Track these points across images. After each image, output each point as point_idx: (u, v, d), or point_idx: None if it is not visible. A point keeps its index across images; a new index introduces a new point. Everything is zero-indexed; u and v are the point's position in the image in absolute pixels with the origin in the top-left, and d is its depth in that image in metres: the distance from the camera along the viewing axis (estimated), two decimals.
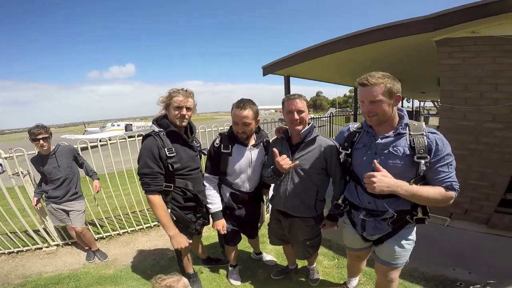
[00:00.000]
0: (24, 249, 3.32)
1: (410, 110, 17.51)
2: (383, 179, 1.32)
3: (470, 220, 3.20)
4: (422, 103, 23.20)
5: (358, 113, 10.10)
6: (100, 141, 3.36)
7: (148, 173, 1.80)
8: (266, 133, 2.29)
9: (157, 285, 1.47)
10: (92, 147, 3.30)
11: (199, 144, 2.21)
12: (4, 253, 3.27)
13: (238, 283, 2.54)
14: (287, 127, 1.94)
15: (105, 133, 20.62)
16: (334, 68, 5.74)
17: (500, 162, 2.92)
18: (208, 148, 2.15)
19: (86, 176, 3.22)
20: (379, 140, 1.48)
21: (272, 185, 2.16)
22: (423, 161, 1.35)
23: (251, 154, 2.07)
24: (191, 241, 2.04)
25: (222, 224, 2.10)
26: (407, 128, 1.45)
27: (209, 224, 2.30)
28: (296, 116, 1.79)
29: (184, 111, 1.86)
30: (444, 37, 3.01)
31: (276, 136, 2.09)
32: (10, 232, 3.30)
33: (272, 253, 2.98)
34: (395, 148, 1.43)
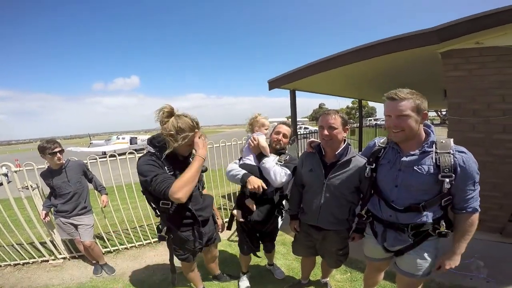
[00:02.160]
0: (30, 261, 3.32)
1: None
2: (451, 263, 1.52)
3: (484, 230, 3.14)
4: None
5: (363, 125, 10.12)
6: (106, 154, 3.38)
7: (158, 172, 1.65)
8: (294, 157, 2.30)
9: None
10: (100, 157, 3.35)
11: None
12: (10, 264, 3.27)
13: (247, 283, 2.66)
14: (319, 141, 1.96)
15: (110, 146, 20.77)
16: (339, 81, 5.78)
17: None
18: None
19: (95, 190, 3.25)
20: (404, 158, 1.49)
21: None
22: (447, 180, 1.37)
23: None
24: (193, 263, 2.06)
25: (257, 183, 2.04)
26: (433, 146, 1.45)
27: (205, 246, 2.22)
28: (326, 132, 1.78)
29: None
30: (449, 48, 3.03)
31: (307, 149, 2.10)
32: (17, 244, 3.29)
33: (282, 268, 2.94)
34: (419, 167, 1.44)
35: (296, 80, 4.75)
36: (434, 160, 1.41)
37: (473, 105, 3.02)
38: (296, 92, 5.80)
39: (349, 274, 2.75)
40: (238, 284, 2.68)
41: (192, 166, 1.67)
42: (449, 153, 1.38)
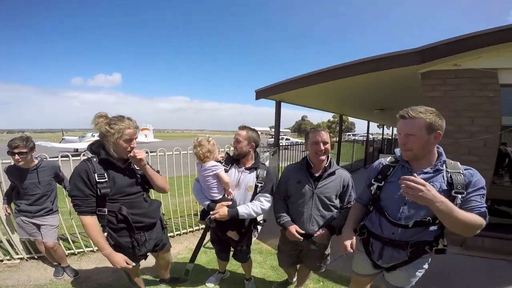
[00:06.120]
0: None
1: (390, 137, 18.04)
2: (431, 191, 1.28)
3: (448, 243, 3.27)
4: None
5: (342, 140, 10.38)
6: (79, 151, 3.22)
7: (78, 195, 1.74)
8: (264, 163, 2.42)
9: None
10: (73, 155, 3.14)
11: None
12: None
13: (211, 285, 2.74)
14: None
15: (83, 143, 19.65)
16: (324, 96, 5.92)
17: None
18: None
19: (64, 190, 3.01)
20: (417, 176, 1.42)
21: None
22: (460, 196, 1.38)
23: (240, 176, 2.23)
24: (134, 264, 1.90)
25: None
26: (444, 165, 1.48)
27: (154, 252, 2.22)
28: (322, 147, 1.97)
29: (134, 143, 1.84)
30: (429, 69, 3.18)
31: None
32: None
33: (258, 276, 2.93)
34: (432, 184, 1.40)
35: (283, 92, 4.82)
36: (445, 179, 1.43)
37: (447, 126, 3.14)
38: (281, 103, 5.87)
39: (321, 283, 2.81)
40: (208, 278, 2.80)
41: (98, 241, 1.76)
42: (459, 172, 1.42)
